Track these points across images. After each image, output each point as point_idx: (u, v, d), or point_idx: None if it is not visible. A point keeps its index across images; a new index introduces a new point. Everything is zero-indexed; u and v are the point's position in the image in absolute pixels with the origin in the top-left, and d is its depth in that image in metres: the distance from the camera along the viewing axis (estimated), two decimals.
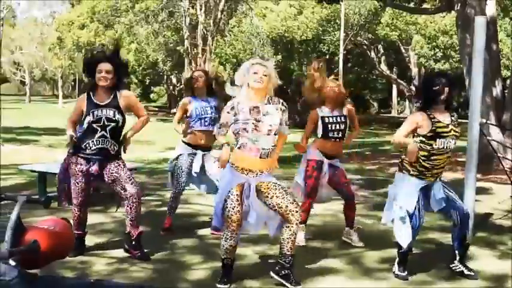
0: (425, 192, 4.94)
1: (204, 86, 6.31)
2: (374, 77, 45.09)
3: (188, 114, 6.29)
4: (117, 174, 5.28)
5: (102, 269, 5.10)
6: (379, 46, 34.76)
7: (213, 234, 6.27)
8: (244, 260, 5.41)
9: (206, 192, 6.78)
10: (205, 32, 20.45)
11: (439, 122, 4.79)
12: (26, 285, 2.73)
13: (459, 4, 13.29)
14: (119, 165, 5.33)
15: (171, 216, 6.42)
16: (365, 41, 33.60)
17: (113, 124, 5.22)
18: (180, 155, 6.31)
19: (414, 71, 32.83)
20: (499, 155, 8.77)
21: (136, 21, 23.20)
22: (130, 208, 5.32)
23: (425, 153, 4.82)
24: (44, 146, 20.15)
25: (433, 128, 4.76)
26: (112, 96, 5.26)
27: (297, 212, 4.56)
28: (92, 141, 5.19)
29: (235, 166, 4.60)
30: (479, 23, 6.26)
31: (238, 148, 4.58)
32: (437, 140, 4.77)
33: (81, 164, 5.24)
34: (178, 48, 29.17)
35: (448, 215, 5.05)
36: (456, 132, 4.86)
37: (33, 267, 2.84)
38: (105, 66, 5.19)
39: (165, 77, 45.19)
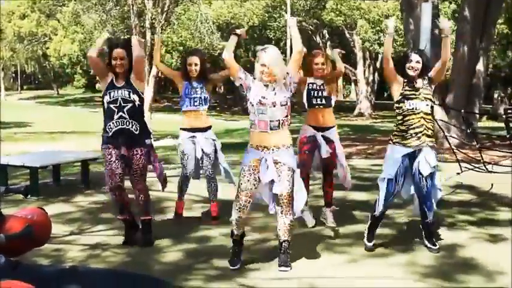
0: (413, 158, 5.29)
1: (199, 72, 6.31)
2: None
3: (180, 91, 6.35)
4: (131, 163, 5.46)
5: (76, 255, 5.24)
6: (324, 31, 35.20)
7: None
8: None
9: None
10: (153, 20, 20.35)
11: (408, 85, 5.28)
12: (10, 272, 2.86)
13: None
14: (136, 154, 5.47)
15: (181, 200, 6.53)
16: (310, 27, 33.97)
17: (128, 105, 5.39)
18: (180, 144, 6.41)
19: (359, 55, 33.42)
20: (445, 134, 9.17)
21: (82, 10, 22.87)
22: (138, 196, 5.59)
23: (401, 116, 5.30)
24: None
25: (402, 91, 5.29)
26: (126, 78, 5.44)
27: (285, 215, 4.81)
28: (112, 122, 5.37)
29: (250, 144, 4.84)
30: (425, 8, 6.64)
31: (251, 127, 4.82)
32: (406, 101, 5.25)
33: (109, 148, 5.41)
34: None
35: (415, 185, 5.37)
36: (426, 94, 5.29)
37: (12, 255, 2.96)
38: (118, 53, 5.39)
39: None
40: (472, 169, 8.18)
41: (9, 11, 43.67)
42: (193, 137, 6.34)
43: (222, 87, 39.91)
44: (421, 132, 5.25)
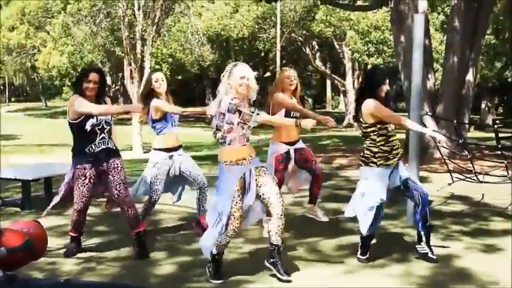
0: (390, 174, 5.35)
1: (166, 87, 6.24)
2: (308, 73, 45.82)
3: (158, 117, 6.13)
4: (112, 177, 5.47)
5: (71, 268, 5.20)
6: (314, 42, 35.37)
7: (194, 228, 6.37)
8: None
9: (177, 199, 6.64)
10: (143, 32, 20.43)
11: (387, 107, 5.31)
12: (7, 286, 2.84)
13: (393, 1, 13.80)
14: (117, 167, 5.51)
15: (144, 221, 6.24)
16: (300, 38, 34.14)
17: (108, 127, 5.52)
18: (157, 163, 6.17)
19: (348, 66, 33.59)
20: (437, 144, 9.21)
21: (73, 22, 22.88)
22: (126, 210, 5.53)
23: (384, 138, 5.27)
24: None
25: None
26: (98, 102, 5.49)
27: (280, 203, 4.73)
28: (95, 143, 5.42)
29: (229, 162, 4.73)
30: (418, 20, 6.65)
31: (229, 144, 4.70)
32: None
33: (84, 169, 5.41)
34: (114, 49, 28.82)
35: (409, 195, 5.42)
36: None
37: (8, 269, 2.94)
38: (94, 76, 5.43)
39: None
40: (463, 179, 8.21)
41: None
42: (171, 156, 6.21)
43: None
44: (400, 151, 5.36)
